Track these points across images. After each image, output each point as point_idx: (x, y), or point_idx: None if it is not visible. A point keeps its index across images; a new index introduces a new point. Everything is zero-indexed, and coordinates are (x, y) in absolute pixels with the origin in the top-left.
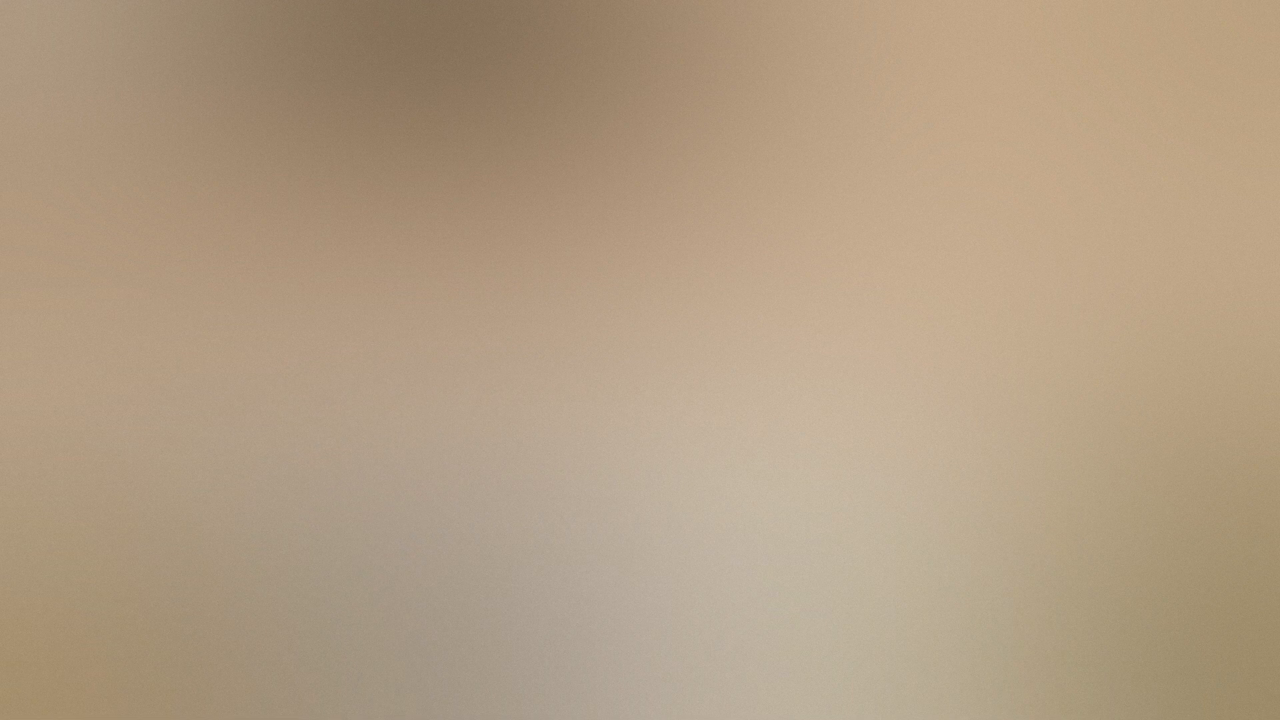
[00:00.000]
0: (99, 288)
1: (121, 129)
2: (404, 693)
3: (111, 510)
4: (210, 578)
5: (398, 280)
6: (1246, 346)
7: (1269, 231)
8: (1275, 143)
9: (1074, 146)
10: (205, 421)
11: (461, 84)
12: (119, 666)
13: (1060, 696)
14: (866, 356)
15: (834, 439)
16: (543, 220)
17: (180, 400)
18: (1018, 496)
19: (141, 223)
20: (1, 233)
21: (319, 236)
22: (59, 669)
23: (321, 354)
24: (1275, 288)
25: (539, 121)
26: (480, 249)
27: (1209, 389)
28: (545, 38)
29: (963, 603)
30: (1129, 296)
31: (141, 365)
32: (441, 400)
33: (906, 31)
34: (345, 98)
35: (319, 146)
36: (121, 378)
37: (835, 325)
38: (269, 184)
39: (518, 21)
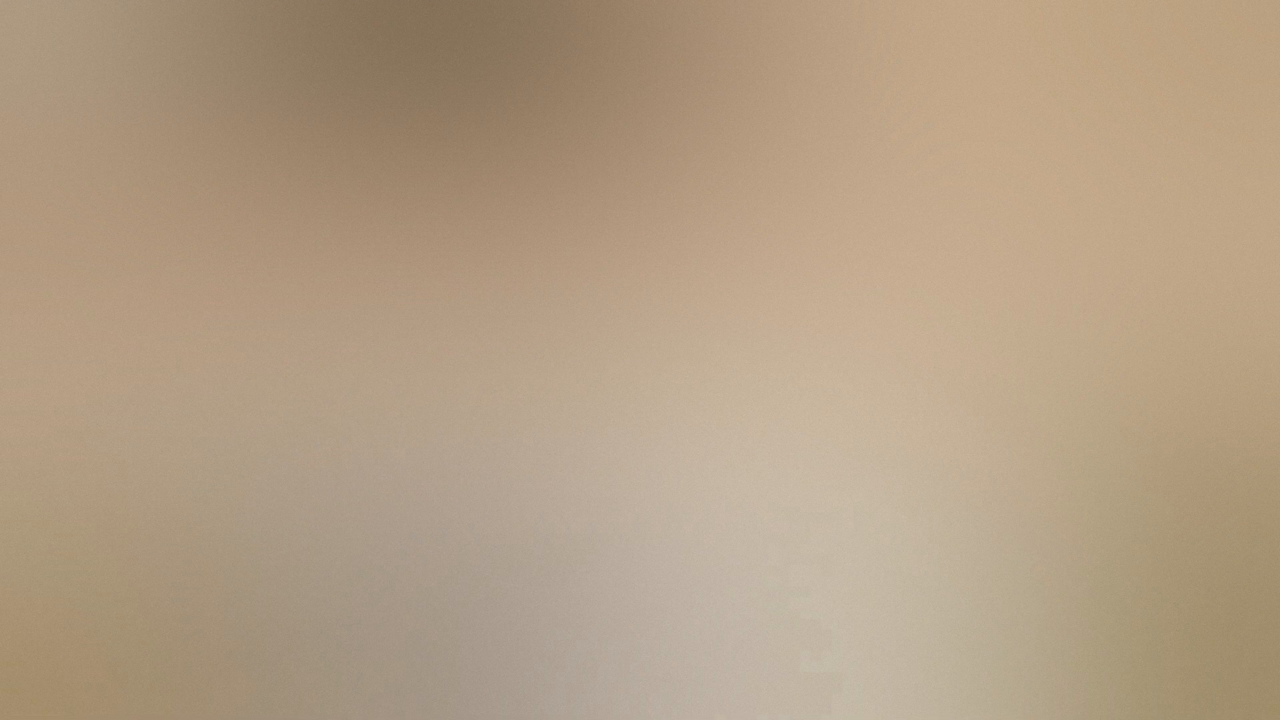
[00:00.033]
0: (99, 288)
1: (121, 129)
2: (404, 692)
3: (111, 510)
4: (210, 578)
5: (398, 280)
6: (1246, 346)
7: (1269, 231)
8: (1275, 143)
9: (1074, 146)
10: (205, 421)
11: (461, 84)
12: (119, 666)
13: (1060, 696)
14: (866, 356)
15: (834, 439)
16: (543, 220)
17: (180, 400)
18: (1018, 496)
19: (141, 223)
20: (1, 233)
21: (319, 236)
22: (59, 669)
23: (321, 354)
24: (1275, 288)
25: (539, 122)
26: (480, 249)
27: (1209, 389)
28: (545, 38)
29: (962, 602)
30: (1129, 296)
31: (141, 365)
32: (441, 400)
33: (906, 31)
34: (345, 98)
35: (319, 146)
36: (121, 378)
37: (835, 325)
38: (269, 184)
39: (518, 21)
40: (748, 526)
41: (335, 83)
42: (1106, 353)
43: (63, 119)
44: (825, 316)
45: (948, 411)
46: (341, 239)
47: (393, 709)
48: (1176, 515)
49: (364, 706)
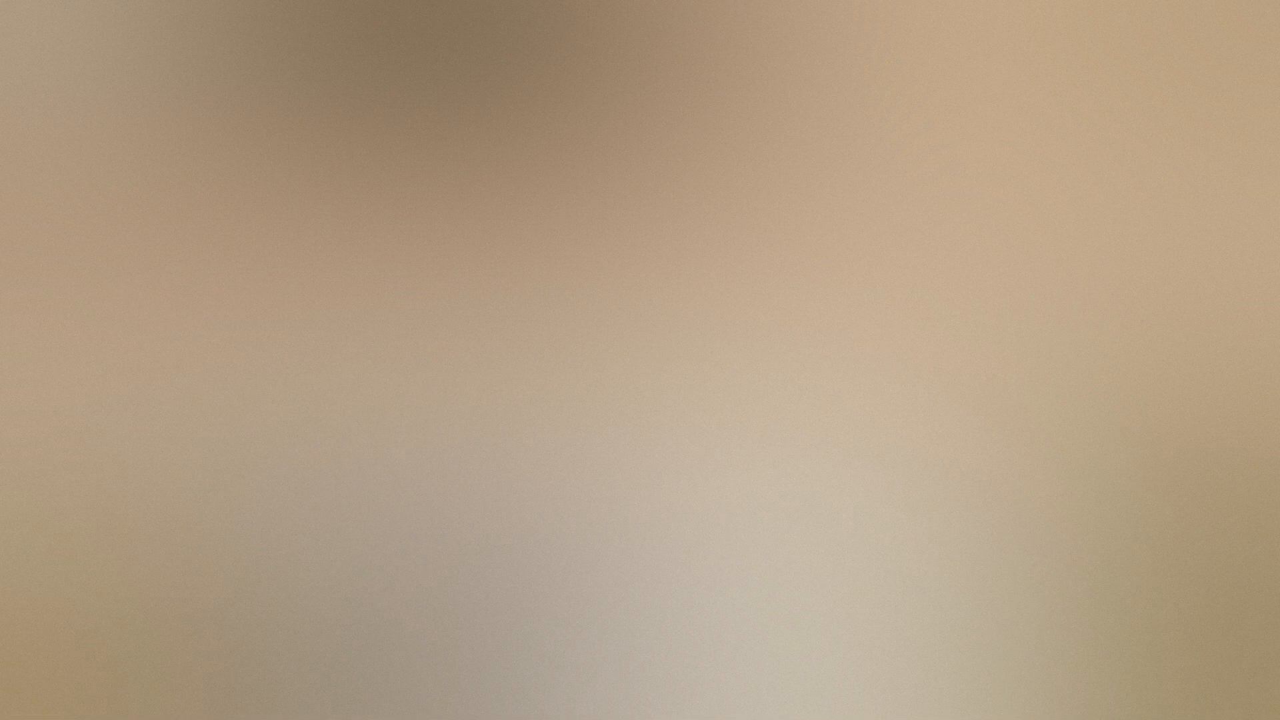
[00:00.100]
0: (99, 288)
1: (121, 129)
2: (404, 692)
3: (111, 510)
4: (210, 578)
5: (398, 280)
6: (1246, 346)
7: (1269, 231)
8: (1275, 143)
9: (1074, 146)
10: (205, 421)
11: (461, 84)
12: (119, 666)
13: (1060, 696)
14: (866, 356)
15: (834, 439)
16: (543, 220)
17: (180, 400)
18: (1018, 496)
19: (141, 223)
20: (1, 233)
21: (319, 236)
22: (59, 669)
23: (321, 354)
24: (1275, 288)
25: (539, 122)
26: (480, 249)
27: (1209, 389)
28: (545, 38)
29: (962, 602)
30: (1129, 296)
31: (141, 365)
32: (441, 400)
33: (906, 31)
34: (345, 98)
35: (319, 146)
36: (121, 378)
37: (835, 325)
38: (269, 184)
39: (518, 21)
40: (748, 526)
41: (335, 83)
42: (1106, 353)
43: (63, 119)
44: (825, 316)
45: (948, 411)
46: (341, 239)
47: (393, 709)
48: (1176, 515)
49: (364, 706)
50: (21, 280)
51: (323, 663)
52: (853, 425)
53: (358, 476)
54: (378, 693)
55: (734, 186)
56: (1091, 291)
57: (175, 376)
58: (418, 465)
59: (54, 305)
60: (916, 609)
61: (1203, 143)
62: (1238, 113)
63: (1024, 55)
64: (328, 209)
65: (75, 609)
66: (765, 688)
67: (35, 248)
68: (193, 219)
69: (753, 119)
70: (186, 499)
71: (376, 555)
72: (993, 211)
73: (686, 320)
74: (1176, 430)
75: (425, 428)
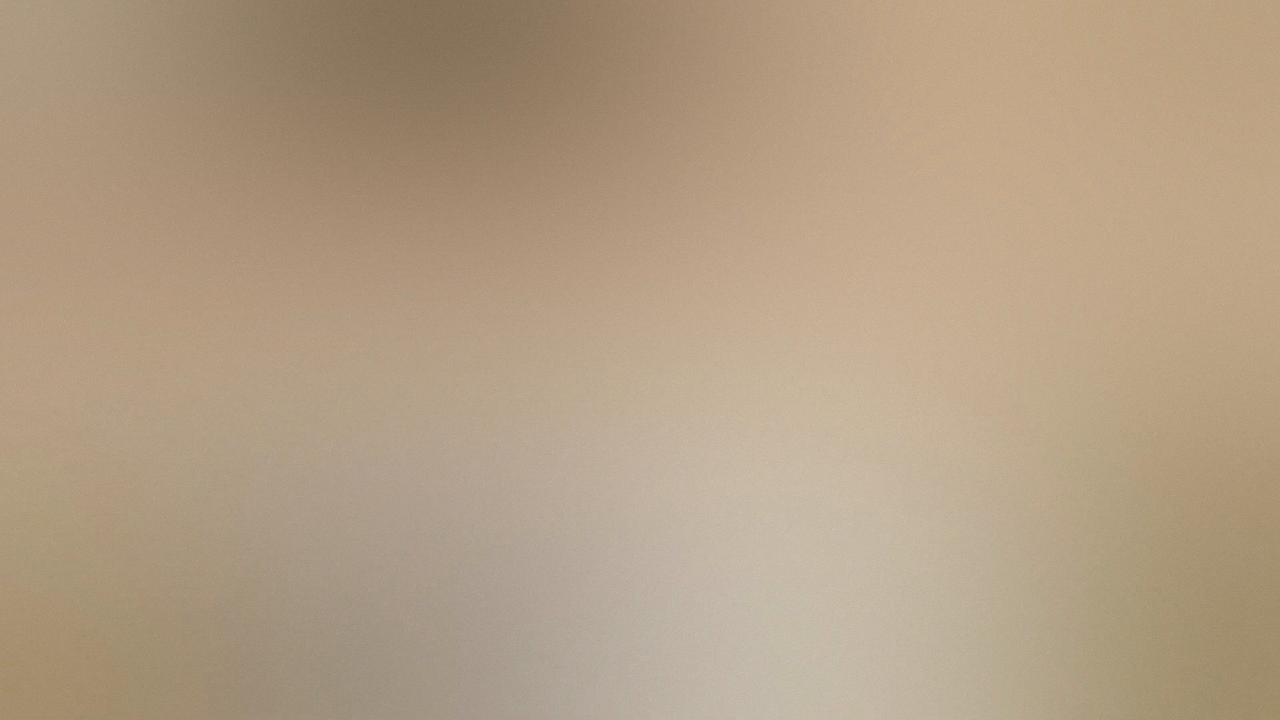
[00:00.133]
0: (99, 288)
1: (121, 129)
2: (404, 692)
3: (111, 510)
4: (210, 578)
5: (398, 280)
6: (1246, 346)
7: (1269, 231)
8: (1275, 143)
9: (1074, 146)
10: (205, 421)
11: (461, 84)
12: (119, 666)
13: (1060, 696)
14: (866, 356)
15: (834, 439)
16: (543, 220)
17: (180, 400)
18: (1018, 496)
19: (141, 223)
20: (1, 233)
21: (319, 236)
22: (59, 669)
23: (321, 354)
24: (1275, 288)
25: (539, 122)
26: (480, 249)
27: (1209, 389)
28: (545, 38)
29: (962, 602)
30: (1129, 296)
31: (141, 365)
32: (441, 400)
33: (906, 31)
34: (345, 98)
35: (319, 146)
36: (121, 378)
37: (835, 325)
38: (269, 184)
39: (518, 21)
40: (748, 526)
41: (335, 83)
42: (1106, 353)
43: (63, 119)
44: (825, 316)
45: (948, 411)
46: (341, 239)
47: (393, 709)
48: (1176, 515)
49: (364, 706)
50: (21, 280)
51: (323, 663)
52: (853, 425)
53: (358, 476)
54: (378, 693)
55: (734, 186)
56: (1091, 291)
57: (175, 376)
58: (418, 465)
59: (54, 305)
60: (916, 609)
61: (1203, 143)
62: (1238, 113)
63: (1024, 55)
64: (328, 209)
65: (75, 609)
66: (765, 688)
67: (35, 248)
68: (193, 219)
69: (753, 119)
70: (186, 499)
71: (376, 555)
72: (993, 211)
73: (686, 320)
74: (1176, 430)
75: (425, 428)
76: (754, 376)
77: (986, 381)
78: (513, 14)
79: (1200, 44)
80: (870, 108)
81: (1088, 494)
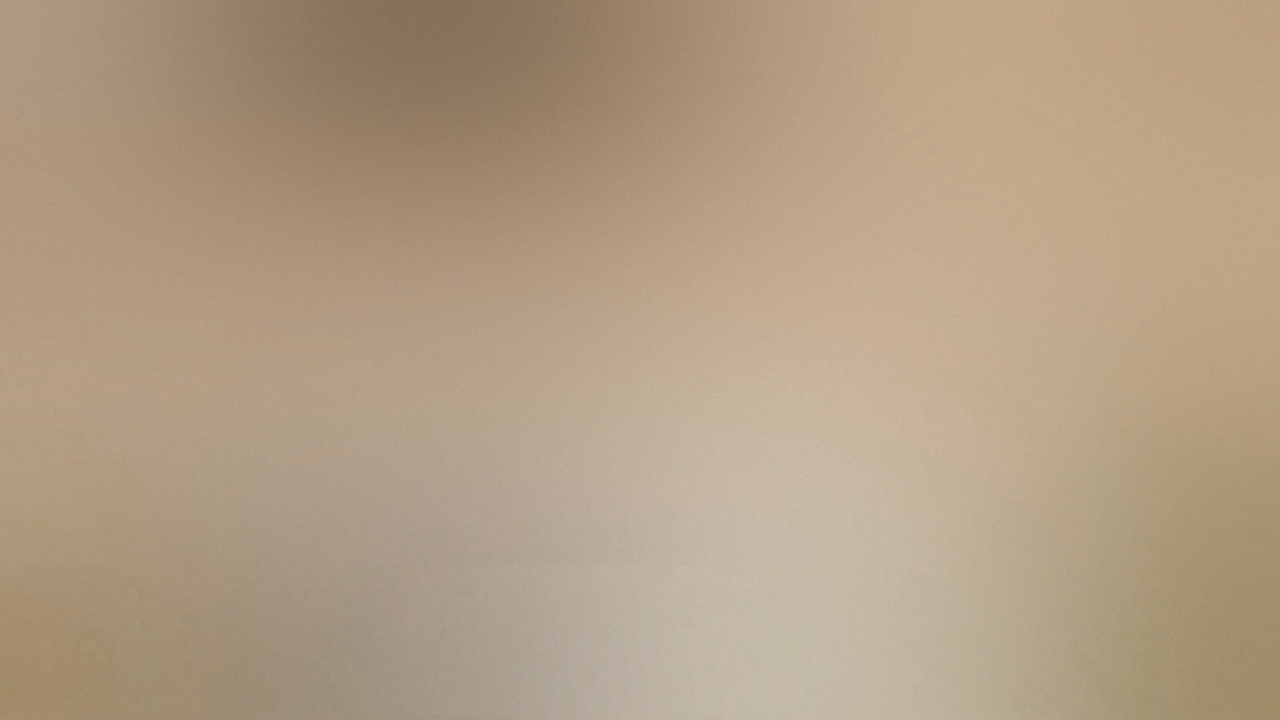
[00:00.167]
0: (99, 288)
1: (121, 129)
2: (404, 692)
3: (111, 510)
4: (210, 578)
5: (398, 280)
6: (1246, 346)
7: (1269, 231)
8: (1275, 143)
9: (1074, 146)
10: (205, 421)
11: (461, 84)
12: (119, 666)
13: (1060, 696)
14: (866, 356)
15: (834, 439)
16: (543, 220)
17: (180, 400)
18: (1017, 496)
19: (141, 223)
20: (1, 233)
21: (319, 236)
22: (59, 669)
23: (321, 354)
24: (1275, 288)
25: (539, 122)
26: (480, 249)
27: (1209, 389)
28: (545, 38)
29: (962, 602)
30: (1129, 296)
31: (141, 365)
32: (441, 400)
33: (906, 31)
34: (345, 98)
35: (319, 146)
36: (121, 378)
37: (835, 325)
38: (269, 184)
39: (518, 21)
40: (748, 526)
41: (335, 83)
42: (1106, 353)
43: (63, 119)
44: (825, 316)
45: (948, 411)
46: (341, 239)
47: (393, 709)
48: (1176, 515)
49: (364, 706)
50: (21, 280)
51: (323, 663)
52: (853, 425)
53: (358, 476)
54: (378, 693)
55: (734, 186)
56: (1091, 291)
57: (175, 376)
58: (418, 465)
59: (54, 305)
60: (916, 609)
61: (1203, 143)
62: (1238, 113)
63: (1024, 55)
64: (328, 209)
65: (75, 609)
66: (765, 688)
67: (35, 248)
68: (193, 219)
69: (753, 119)
70: (186, 499)
71: (376, 555)
72: (993, 211)
73: (686, 320)
74: (1176, 430)
75: (425, 428)
76: (754, 376)
77: (986, 382)
78: (513, 14)
79: (1200, 44)
80: (870, 108)
81: (1087, 494)
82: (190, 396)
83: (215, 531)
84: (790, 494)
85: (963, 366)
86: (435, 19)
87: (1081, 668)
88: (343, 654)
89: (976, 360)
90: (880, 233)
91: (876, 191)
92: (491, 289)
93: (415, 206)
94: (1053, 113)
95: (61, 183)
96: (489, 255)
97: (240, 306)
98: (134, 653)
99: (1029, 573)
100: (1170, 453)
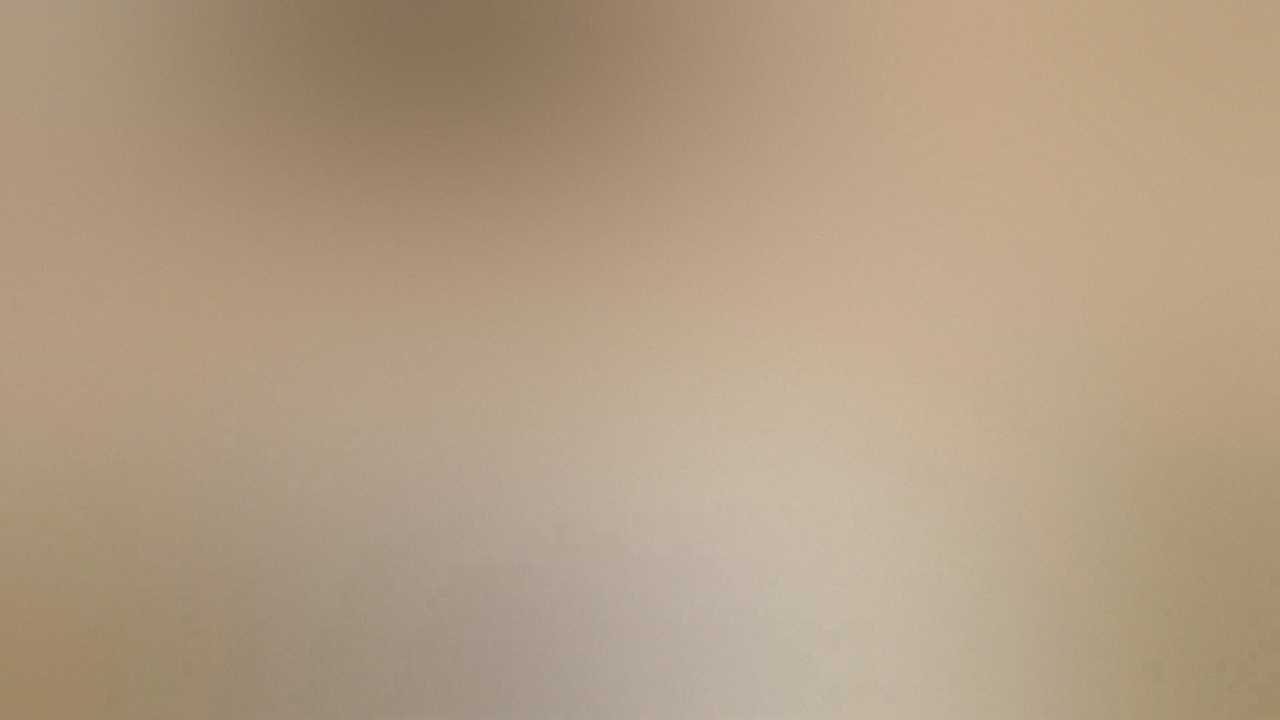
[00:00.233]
0: (99, 288)
1: (121, 129)
2: (404, 692)
3: (111, 510)
4: (210, 578)
5: (398, 280)
6: (1246, 346)
7: (1269, 231)
8: (1275, 143)
9: (1074, 146)
10: (205, 421)
11: (461, 84)
12: (119, 666)
13: (1060, 696)
14: (866, 356)
15: (834, 438)
16: (543, 220)
17: (180, 400)
18: (1017, 496)
19: (141, 223)
20: (1, 233)
21: (319, 236)
22: (59, 669)
23: (321, 354)
24: (1275, 288)
25: (539, 122)
26: (480, 249)
27: (1209, 389)
28: (545, 38)
29: (962, 602)
30: (1129, 296)
31: (141, 365)
32: (441, 400)
33: (906, 31)
34: (345, 98)
35: (319, 146)
36: (121, 378)
37: (835, 325)
38: (269, 184)
39: (518, 21)
40: (748, 526)
41: (335, 83)
42: (1106, 353)
43: (63, 119)
44: (825, 316)
45: (948, 411)
46: (341, 239)
47: (393, 709)
48: (1176, 515)
49: (364, 706)
50: (21, 280)
51: (323, 662)
52: (853, 425)
53: (358, 476)
54: (378, 693)
55: (734, 186)
56: (1091, 291)
57: (175, 376)
58: (418, 465)
59: (54, 305)
60: (916, 609)
61: (1203, 143)
62: (1238, 113)
63: (1024, 55)
64: (328, 209)
65: (75, 609)
66: (765, 688)
67: (35, 248)
68: (193, 219)
69: (753, 119)
70: (186, 499)
71: (377, 555)
72: (993, 211)
73: (686, 320)
74: (1176, 430)
75: (425, 428)
76: (754, 376)
77: (986, 382)
78: (513, 14)
79: (1200, 44)
80: (870, 108)
81: (1087, 494)
82: (190, 397)
83: (215, 531)
84: (790, 494)
85: (963, 367)
86: (435, 19)
87: (1081, 667)
88: (343, 654)
89: (976, 360)
90: (880, 233)
91: (876, 192)
92: (491, 289)
93: (415, 207)
94: (1053, 113)
95: (61, 183)
96: (489, 255)
97: (240, 306)
98: (134, 653)
99: (1029, 573)
100: (1170, 453)
